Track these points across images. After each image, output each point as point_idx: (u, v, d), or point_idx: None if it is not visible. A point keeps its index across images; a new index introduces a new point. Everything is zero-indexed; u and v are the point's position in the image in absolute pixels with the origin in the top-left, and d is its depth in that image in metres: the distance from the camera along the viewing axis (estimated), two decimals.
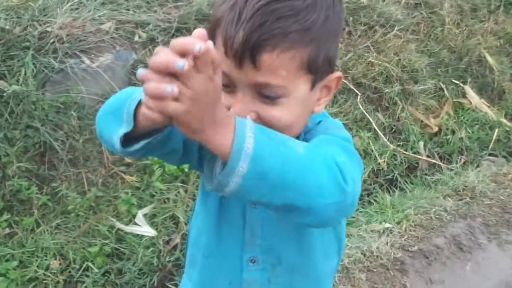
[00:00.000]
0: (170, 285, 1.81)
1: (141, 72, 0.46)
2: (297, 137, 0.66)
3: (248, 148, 0.52)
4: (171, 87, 0.44)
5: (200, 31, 0.46)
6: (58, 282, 1.72)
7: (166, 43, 2.14)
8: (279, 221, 0.77)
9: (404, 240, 1.94)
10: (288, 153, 0.56)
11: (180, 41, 0.44)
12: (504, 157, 2.63)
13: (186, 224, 1.95)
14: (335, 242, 0.84)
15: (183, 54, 0.44)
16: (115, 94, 0.67)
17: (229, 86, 0.62)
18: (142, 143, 0.59)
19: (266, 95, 0.60)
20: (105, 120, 0.66)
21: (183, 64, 0.43)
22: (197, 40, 0.44)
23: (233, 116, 0.54)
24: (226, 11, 0.59)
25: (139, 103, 0.56)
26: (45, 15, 2.02)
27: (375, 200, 2.20)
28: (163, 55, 0.44)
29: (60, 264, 1.77)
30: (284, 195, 0.56)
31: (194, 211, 0.90)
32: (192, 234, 0.90)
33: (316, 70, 0.65)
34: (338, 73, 0.70)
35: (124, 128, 0.58)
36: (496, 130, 2.63)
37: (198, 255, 0.85)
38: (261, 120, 0.62)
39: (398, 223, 2.01)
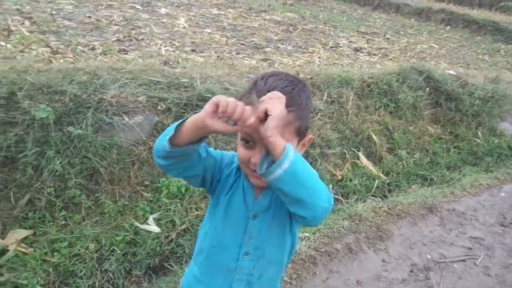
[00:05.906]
0: (166, 265, 2.06)
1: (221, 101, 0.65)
2: None
3: (291, 156, 0.68)
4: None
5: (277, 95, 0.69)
6: (93, 258, 1.96)
7: (178, 113, 2.45)
8: (269, 229, 0.88)
9: (316, 244, 2.20)
10: (310, 168, 0.72)
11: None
12: (380, 197, 3.01)
13: (180, 226, 2.20)
14: (290, 246, 0.98)
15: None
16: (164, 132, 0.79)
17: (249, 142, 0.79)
18: (189, 146, 0.72)
19: None
20: (159, 141, 0.78)
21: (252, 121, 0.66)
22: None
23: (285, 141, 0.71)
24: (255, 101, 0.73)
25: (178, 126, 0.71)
26: (103, 88, 2.30)
27: None
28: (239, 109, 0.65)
29: (95, 246, 2.01)
30: (302, 191, 0.69)
31: (203, 222, 1.01)
32: (201, 235, 0.99)
33: (301, 134, 0.81)
34: (311, 136, 0.86)
35: (171, 134, 0.72)
36: (376, 181, 3.07)
37: (205, 246, 0.95)
38: None
39: (313, 233, 2.28)
